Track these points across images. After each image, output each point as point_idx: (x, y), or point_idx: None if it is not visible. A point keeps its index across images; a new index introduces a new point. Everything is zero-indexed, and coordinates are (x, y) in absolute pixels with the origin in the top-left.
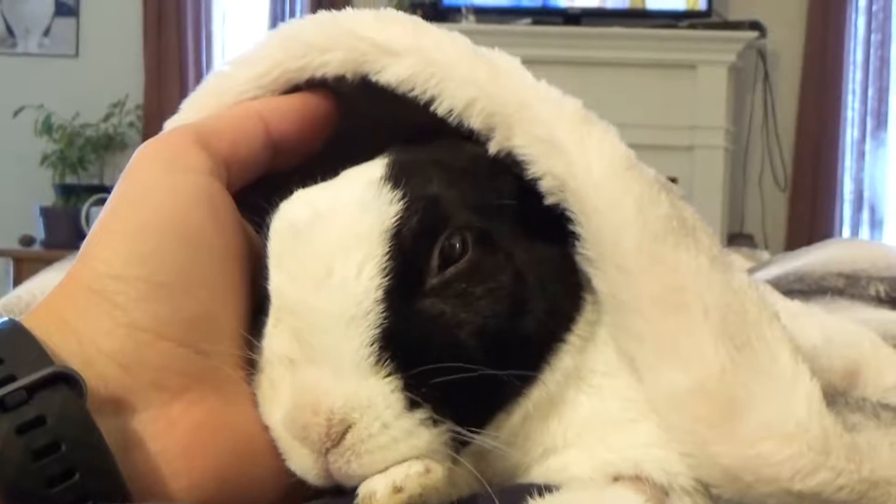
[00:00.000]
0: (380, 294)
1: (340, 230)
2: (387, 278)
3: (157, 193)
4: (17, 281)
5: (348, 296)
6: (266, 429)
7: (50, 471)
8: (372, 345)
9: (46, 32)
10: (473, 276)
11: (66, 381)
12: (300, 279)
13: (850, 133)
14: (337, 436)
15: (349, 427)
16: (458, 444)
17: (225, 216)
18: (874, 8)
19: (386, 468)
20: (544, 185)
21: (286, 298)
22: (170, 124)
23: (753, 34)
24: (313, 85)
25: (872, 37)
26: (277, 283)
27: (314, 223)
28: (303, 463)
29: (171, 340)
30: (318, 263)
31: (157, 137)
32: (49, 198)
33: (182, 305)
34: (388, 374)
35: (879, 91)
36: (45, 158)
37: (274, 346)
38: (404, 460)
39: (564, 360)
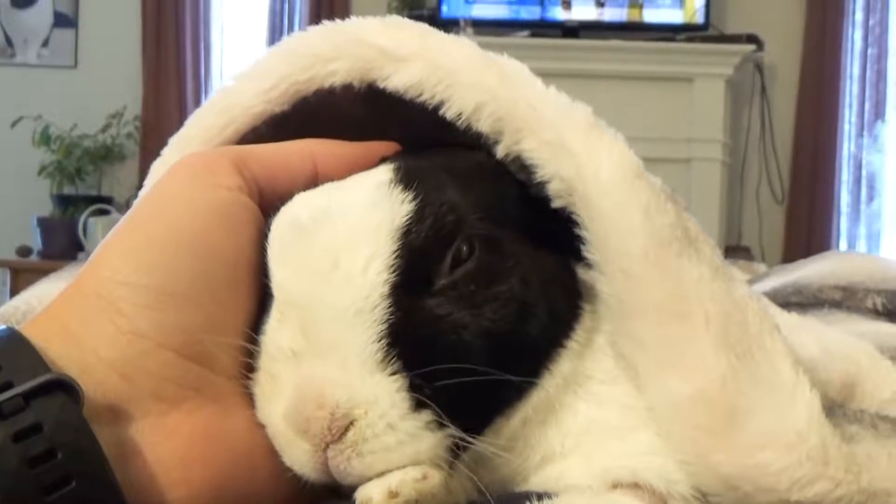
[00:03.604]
0: (386, 289)
1: (348, 226)
2: (394, 275)
3: (175, 205)
4: (14, 291)
5: (355, 289)
6: (264, 437)
7: (46, 478)
8: (379, 340)
9: (45, 43)
10: (481, 279)
11: (64, 388)
12: (306, 273)
13: (846, 146)
14: (339, 430)
15: (352, 423)
16: (458, 451)
17: (247, 232)
18: (871, 22)
19: (386, 470)
20: (552, 189)
21: (291, 292)
22: (174, 140)
23: (750, 47)
24: (322, 95)
25: (869, 51)
26: (281, 277)
27: (321, 220)
28: (300, 457)
29: (172, 350)
30: (325, 257)
31: (193, 154)
32: (46, 208)
33: (187, 317)
34: (394, 373)
35: (876, 105)
36: (42, 169)
37: (277, 341)
38: (405, 464)
39: (563, 364)
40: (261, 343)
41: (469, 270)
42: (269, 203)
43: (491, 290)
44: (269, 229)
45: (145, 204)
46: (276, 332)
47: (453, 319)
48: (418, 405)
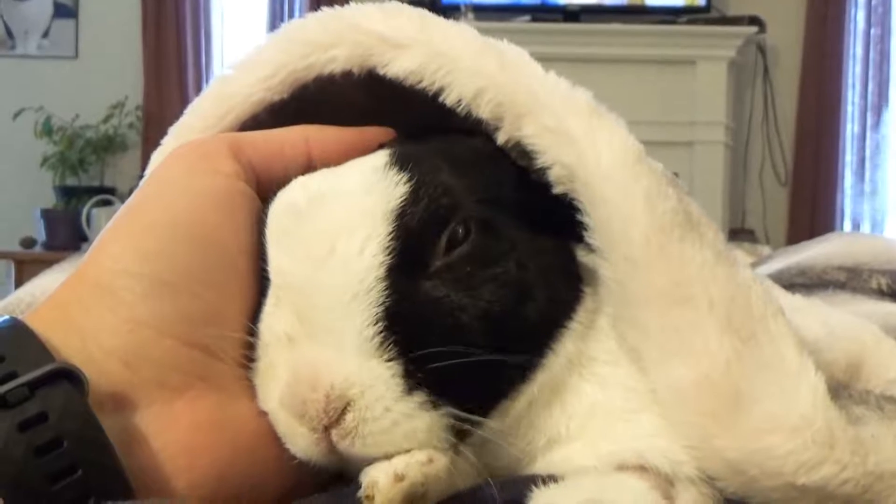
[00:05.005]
0: (382, 272)
1: (344, 209)
2: (390, 257)
3: (172, 192)
4: (19, 283)
5: (351, 273)
6: (268, 424)
7: (52, 467)
8: (375, 324)
9: (46, 34)
10: (478, 261)
11: (68, 377)
12: (302, 257)
13: (850, 127)
14: (335, 413)
15: (348, 404)
16: (460, 433)
17: (245, 218)
18: (873, 2)
19: (388, 451)
20: (553, 175)
21: (287, 276)
22: (173, 129)
23: (753, 29)
24: (322, 82)
25: (872, 31)
26: (278, 261)
27: (316, 203)
28: (303, 442)
29: (174, 338)
30: (321, 241)
31: (190, 141)
32: (49, 200)
33: (186, 304)
34: (389, 355)
35: (879, 85)
36: (45, 160)
37: (273, 327)
38: (406, 443)
39: (567, 345)
40: (259, 331)
41: (465, 252)
42: (265, 189)
43: (487, 272)
44: (266, 214)
45: (143, 192)
46: (271, 318)
47: (450, 301)
48: (412, 387)
